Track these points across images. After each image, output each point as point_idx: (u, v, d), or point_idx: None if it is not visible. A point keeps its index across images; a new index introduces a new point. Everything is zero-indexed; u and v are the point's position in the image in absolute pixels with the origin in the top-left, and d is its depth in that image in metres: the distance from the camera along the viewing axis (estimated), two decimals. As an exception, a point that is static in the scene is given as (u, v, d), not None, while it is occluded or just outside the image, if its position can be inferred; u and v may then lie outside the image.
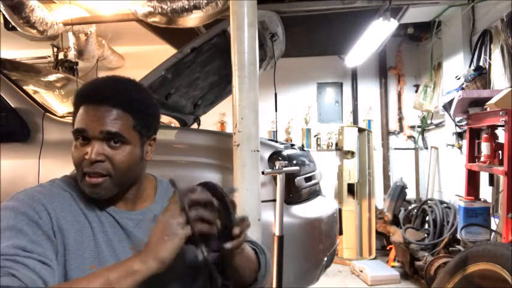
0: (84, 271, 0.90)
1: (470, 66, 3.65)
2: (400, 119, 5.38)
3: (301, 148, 2.59)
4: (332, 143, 5.31)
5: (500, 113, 2.53)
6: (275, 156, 2.01)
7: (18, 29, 3.44)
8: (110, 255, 0.94)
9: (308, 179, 2.22)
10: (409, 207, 4.43)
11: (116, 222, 0.98)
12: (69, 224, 0.93)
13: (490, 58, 3.41)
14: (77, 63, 4.72)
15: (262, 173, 1.88)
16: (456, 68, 3.93)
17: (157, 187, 1.11)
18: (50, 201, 0.93)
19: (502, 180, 2.78)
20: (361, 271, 4.03)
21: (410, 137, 5.36)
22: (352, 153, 4.73)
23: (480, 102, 2.93)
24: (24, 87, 2.19)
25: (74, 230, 0.93)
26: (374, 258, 4.56)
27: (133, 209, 1.03)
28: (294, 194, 2.05)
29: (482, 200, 3.04)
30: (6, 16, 3.26)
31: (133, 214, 1.01)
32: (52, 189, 0.97)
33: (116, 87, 0.96)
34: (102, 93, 0.93)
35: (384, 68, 5.37)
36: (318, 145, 5.33)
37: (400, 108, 5.39)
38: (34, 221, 0.88)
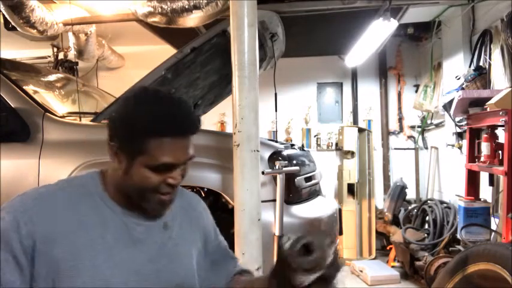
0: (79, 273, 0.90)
1: (470, 66, 3.65)
2: (400, 119, 5.38)
3: (301, 148, 2.59)
4: (332, 143, 5.30)
5: (500, 113, 2.53)
6: (275, 156, 2.01)
7: (18, 29, 3.44)
8: (107, 259, 0.93)
9: (308, 179, 2.22)
10: (409, 207, 4.43)
11: (124, 227, 0.98)
12: (67, 227, 0.92)
13: (490, 58, 3.41)
14: (77, 63, 4.72)
15: (262, 173, 1.88)
16: (456, 68, 3.93)
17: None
18: (42, 210, 0.92)
19: (502, 180, 2.78)
20: (361, 271, 4.03)
21: (410, 137, 5.36)
22: (352, 153, 4.73)
23: (480, 102, 2.92)
24: (24, 87, 2.19)
25: (72, 234, 0.92)
26: (374, 258, 4.56)
27: (146, 212, 1.02)
28: (294, 194, 2.05)
29: (482, 200, 3.04)
30: (6, 16, 3.25)
31: (143, 219, 1.01)
32: (59, 191, 0.97)
33: (190, 113, 0.97)
34: (188, 124, 0.94)
35: (384, 68, 5.37)
36: (318, 145, 5.33)
37: (400, 108, 5.39)
38: (8, 243, 0.87)
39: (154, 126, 0.90)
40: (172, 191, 0.97)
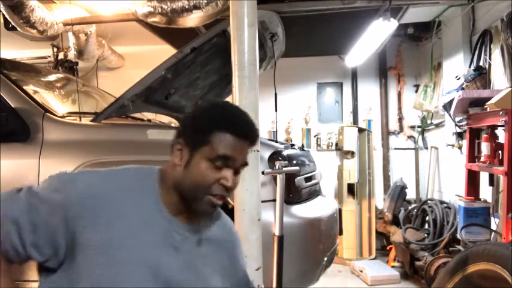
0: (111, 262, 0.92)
1: (470, 66, 3.65)
2: (400, 119, 5.38)
3: (301, 148, 2.59)
4: (332, 143, 5.30)
5: (500, 113, 2.53)
6: (275, 156, 2.01)
7: (18, 29, 3.44)
8: (141, 257, 0.95)
9: (308, 179, 2.22)
10: (409, 207, 4.43)
11: (165, 231, 1.00)
12: (116, 213, 0.96)
13: (490, 58, 3.41)
14: (77, 63, 4.72)
15: (262, 173, 1.88)
16: (456, 68, 3.93)
17: (216, 213, 1.13)
18: (100, 190, 0.97)
19: (502, 180, 2.78)
20: (361, 271, 4.03)
21: (410, 137, 5.36)
22: (352, 153, 4.73)
23: (480, 102, 2.92)
24: (24, 87, 2.19)
25: (117, 221, 0.95)
26: (374, 258, 4.56)
27: (186, 224, 1.04)
28: (294, 194, 2.05)
29: (482, 200, 3.04)
30: (6, 16, 3.25)
31: (182, 229, 1.02)
32: (122, 177, 1.03)
33: (255, 126, 1.05)
34: (253, 133, 1.03)
35: (384, 68, 5.37)
36: (318, 145, 5.33)
37: (400, 108, 5.39)
38: (63, 206, 0.93)
39: (223, 120, 1.00)
40: (223, 194, 1.00)
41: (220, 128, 0.98)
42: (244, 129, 1.01)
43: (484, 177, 3.12)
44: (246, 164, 1.03)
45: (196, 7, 2.85)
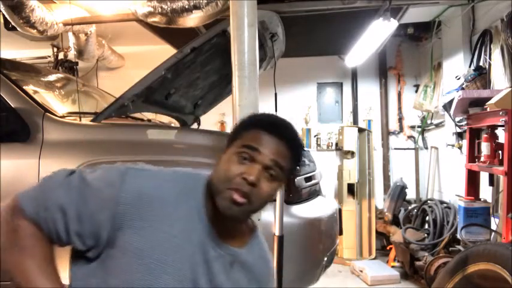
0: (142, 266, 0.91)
1: (470, 66, 3.65)
2: (400, 119, 5.38)
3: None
4: (332, 143, 5.30)
5: (500, 113, 2.53)
6: (275, 156, 2.01)
7: (18, 29, 3.44)
8: (172, 265, 0.93)
9: (308, 179, 2.22)
10: (409, 207, 4.43)
11: (202, 245, 0.97)
12: (160, 216, 0.94)
13: (490, 58, 3.41)
14: (77, 63, 4.72)
15: (262, 173, 1.88)
16: (456, 68, 3.93)
17: (253, 234, 1.10)
18: (149, 190, 0.95)
19: (502, 180, 2.78)
20: (361, 271, 4.03)
21: (410, 137, 5.36)
22: (352, 153, 4.73)
23: (480, 102, 2.92)
24: (24, 87, 2.19)
25: (158, 224, 0.93)
26: (374, 258, 4.56)
27: (223, 242, 1.01)
28: (294, 194, 2.05)
29: (482, 200, 3.04)
30: (6, 16, 3.25)
31: (218, 245, 0.99)
32: (171, 182, 1.00)
33: (296, 135, 1.03)
34: (289, 133, 1.00)
35: (384, 68, 5.37)
36: (318, 145, 5.33)
37: (400, 108, 5.39)
38: (113, 202, 0.92)
39: (260, 120, 1.02)
40: (244, 189, 0.93)
41: (256, 126, 0.98)
42: (280, 129, 0.99)
43: (484, 177, 3.12)
44: (278, 165, 0.96)
45: (196, 7, 2.85)
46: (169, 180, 1.00)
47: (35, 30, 3.44)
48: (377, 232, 4.68)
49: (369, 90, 5.41)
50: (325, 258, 2.13)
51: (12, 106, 2.02)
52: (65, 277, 0.96)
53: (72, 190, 0.94)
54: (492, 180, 3.09)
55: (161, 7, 2.92)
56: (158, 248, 0.92)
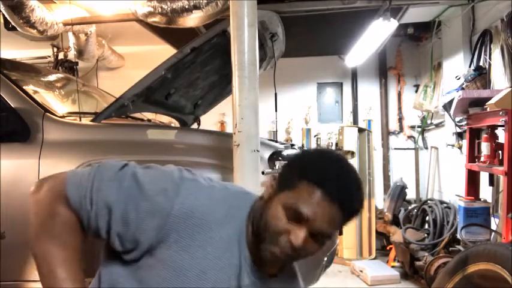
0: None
1: (470, 66, 3.65)
2: (400, 119, 5.38)
3: (301, 148, 2.59)
4: (332, 143, 5.30)
5: (500, 113, 2.53)
6: (275, 156, 2.01)
7: (18, 29, 3.44)
8: None
9: (308, 179, 2.21)
10: (409, 207, 4.43)
11: (237, 273, 0.94)
12: (203, 240, 0.90)
13: (490, 58, 3.41)
14: (77, 63, 4.72)
15: (262, 173, 1.88)
16: (456, 68, 3.93)
17: (293, 276, 1.07)
18: (212, 224, 0.91)
19: (502, 180, 2.78)
20: (361, 271, 4.03)
21: (410, 137, 5.36)
22: (352, 153, 4.72)
23: (480, 102, 2.92)
24: (24, 87, 2.19)
25: (189, 251, 0.89)
26: (374, 258, 4.56)
27: (258, 268, 0.96)
28: (294, 194, 2.05)
29: (482, 200, 3.04)
30: (6, 16, 3.25)
31: (253, 272, 0.96)
32: (219, 206, 0.94)
33: (359, 199, 0.90)
34: (351, 202, 0.88)
35: (384, 68, 5.37)
36: (318, 145, 5.33)
37: (400, 108, 5.39)
38: (164, 213, 0.88)
39: (319, 172, 0.87)
40: (289, 252, 0.88)
41: (312, 179, 0.86)
42: (341, 192, 0.86)
43: (484, 177, 3.11)
44: (326, 235, 0.88)
45: (196, 7, 2.85)
46: (220, 200, 0.95)
47: (35, 30, 3.44)
48: (377, 232, 4.68)
49: (369, 90, 5.42)
50: (325, 258, 2.13)
51: (12, 106, 2.02)
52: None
53: (123, 189, 0.90)
54: (492, 180, 3.09)
55: (161, 7, 2.92)
56: (199, 268, 0.89)
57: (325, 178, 0.86)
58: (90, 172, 0.94)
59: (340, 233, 2.40)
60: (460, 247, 3.22)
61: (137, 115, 2.77)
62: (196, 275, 0.89)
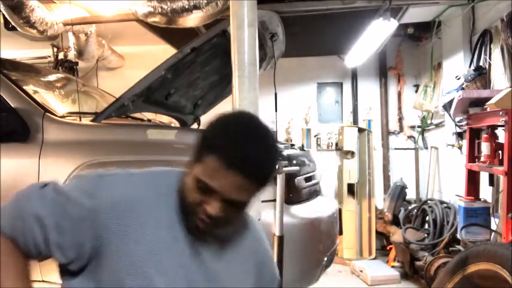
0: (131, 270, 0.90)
1: (470, 66, 3.65)
2: (400, 119, 5.38)
3: (301, 148, 2.59)
4: (332, 143, 5.30)
5: (500, 113, 2.53)
6: (275, 156, 2.01)
7: (18, 29, 3.44)
8: (174, 270, 0.92)
9: (308, 179, 2.22)
10: (409, 207, 4.43)
11: (188, 239, 0.96)
12: (142, 224, 0.92)
13: (490, 58, 3.41)
14: (77, 63, 4.72)
15: (262, 173, 1.88)
16: (456, 68, 3.93)
17: (241, 220, 1.08)
18: (134, 204, 0.93)
19: (502, 180, 2.78)
20: (361, 271, 4.03)
21: (410, 137, 5.36)
22: (352, 153, 4.73)
23: (480, 102, 2.92)
24: (24, 87, 2.19)
25: (133, 237, 0.91)
26: (374, 258, 4.56)
27: (201, 236, 0.99)
28: (294, 194, 2.05)
29: (482, 200, 3.04)
30: (6, 16, 3.26)
31: (199, 242, 0.98)
32: (143, 189, 0.97)
33: (267, 165, 0.90)
34: (250, 166, 0.86)
35: (384, 68, 5.37)
36: (318, 145, 5.33)
37: (400, 108, 5.39)
38: (93, 212, 0.90)
39: (221, 146, 0.87)
40: (208, 221, 0.90)
41: (215, 151, 0.86)
42: (244, 161, 0.85)
43: (484, 177, 3.11)
44: (242, 202, 0.90)
45: (196, 7, 2.85)
46: (143, 183, 0.98)
47: (35, 30, 3.44)
48: (377, 232, 4.68)
49: (368, 90, 5.41)
50: (325, 258, 2.13)
51: (12, 106, 2.02)
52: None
53: (48, 201, 0.92)
54: (492, 180, 3.09)
55: (161, 7, 2.92)
56: (148, 251, 0.91)
57: (227, 149, 0.86)
58: (14, 198, 0.95)
59: (340, 233, 2.41)
60: (460, 247, 3.22)
61: (137, 115, 2.77)
62: (149, 256, 0.90)
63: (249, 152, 0.86)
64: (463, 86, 3.42)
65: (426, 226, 4.06)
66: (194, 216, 0.91)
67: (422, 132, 5.21)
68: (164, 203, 0.96)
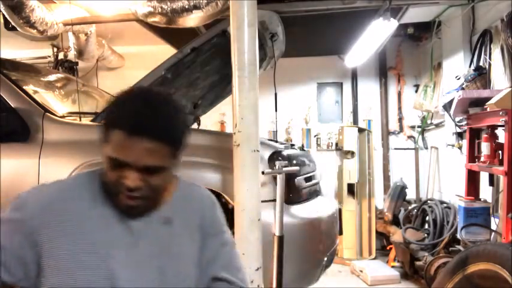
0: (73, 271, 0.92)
1: (470, 66, 3.65)
2: (400, 119, 5.38)
3: (301, 148, 2.59)
4: (332, 143, 5.30)
5: (500, 113, 2.53)
6: (275, 156, 2.01)
7: (18, 29, 3.44)
8: (107, 257, 0.94)
9: (308, 179, 2.22)
10: (409, 207, 4.43)
11: (124, 223, 0.98)
12: (65, 228, 0.95)
13: (490, 58, 3.41)
14: (77, 63, 4.72)
15: (262, 173, 1.88)
16: (456, 68, 3.93)
17: (177, 188, 1.09)
18: (47, 214, 0.96)
19: (502, 180, 2.78)
20: (361, 271, 4.03)
21: (410, 137, 5.36)
22: (352, 153, 4.73)
23: (480, 102, 2.92)
24: (24, 87, 2.19)
25: (66, 233, 0.94)
26: (374, 258, 4.56)
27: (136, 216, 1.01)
28: (294, 194, 2.05)
29: (482, 200, 3.04)
30: (6, 16, 3.25)
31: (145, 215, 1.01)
32: (66, 189, 1.01)
33: (160, 118, 0.92)
34: (148, 127, 0.90)
35: (384, 68, 5.37)
36: (318, 145, 5.33)
37: (400, 108, 5.38)
38: (22, 222, 0.94)
39: (116, 118, 0.92)
40: (132, 194, 0.93)
41: (113, 126, 0.91)
42: (138, 126, 0.89)
43: (484, 177, 3.11)
44: (158, 166, 0.92)
45: (196, 7, 2.85)
46: (66, 186, 1.03)
47: (35, 30, 3.44)
48: (377, 232, 4.68)
49: (368, 90, 5.41)
50: (325, 258, 2.13)
51: (12, 106, 2.02)
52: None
53: None
54: (492, 180, 3.09)
55: (161, 7, 2.92)
56: (88, 243, 0.94)
57: (122, 119, 0.91)
58: None
59: (340, 233, 2.41)
60: (460, 247, 3.22)
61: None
62: (91, 252, 0.93)
63: (142, 114, 0.90)
64: (463, 86, 3.42)
65: (426, 226, 4.06)
66: (119, 196, 0.94)
67: (422, 132, 5.21)
68: (92, 195, 0.99)
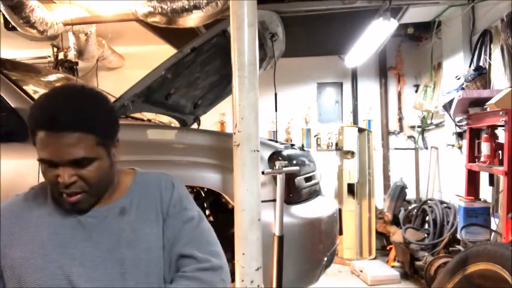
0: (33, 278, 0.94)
1: (470, 66, 3.65)
2: (400, 119, 5.38)
3: (301, 148, 2.59)
4: (332, 143, 5.30)
5: (500, 113, 2.53)
6: (275, 156, 2.01)
7: (18, 29, 3.44)
8: (61, 257, 0.96)
9: (308, 179, 2.22)
10: (409, 207, 4.43)
11: (77, 223, 1.00)
12: (17, 237, 0.98)
13: (490, 58, 3.41)
14: (77, 63, 4.72)
15: (262, 173, 1.88)
16: (456, 68, 3.93)
17: (133, 180, 1.10)
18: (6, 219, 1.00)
19: (502, 180, 2.78)
20: (361, 271, 4.03)
21: (410, 137, 5.36)
22: (352, 153, 4.73)
23: (480, 102, 2.92)
24: (24, 87, 2.19)
25: (22, 242, 0.97)
26: (374, 258, 4.56)
27: (101, 205, 1.03)
28: (294, 194, 2.05)
29: (482, 200, 3.04)
30: (6, 16, 3.25)
31: (98, 211, 1.02)
32: (13, 204, 1.05)
33: (72, 108, 0.92)
34: (60, 119, 0.90)
35: (384, 68, 5.37)
36: (318, 145, 5.33)
37: (400, 108, 5.39)
38: None
39: (31, 119, 0.93)
40: (68, 191, 0.95)
41: (33, 129, 0.93)
42: (52, 120, 0.90)
43: (484, 177, 3.11)
44: (87, 158, 0.93)
45: (196, 7, 2.85)
46: (19, 196, 1.06)
47: (35, 30, 3.44)
48: (377, 232, 4.68)
49: (368, 90, 5.42)
50: (325, 258, 2.13)
51: (12, 106, 2.02)
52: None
53: None
54: (492, 180, 3.09)
55: (161, 7, 2.92)
56: (37, 250, 0.96)
57: (39, 119, 0.92)
58: None
59: (340, 233, 2.41)
60: (460, 247, 3.22)
61: (137, 115, 2.77)
62: (43, 255, 0.95)
63: (54, 109, 0.91)
64: (463, 86, 3.42)
65: (426, 226, 4.06)
66: (61, 195, 0.96)
67: (422, 132, 5.21)
68: (43, 202, 1.03)
